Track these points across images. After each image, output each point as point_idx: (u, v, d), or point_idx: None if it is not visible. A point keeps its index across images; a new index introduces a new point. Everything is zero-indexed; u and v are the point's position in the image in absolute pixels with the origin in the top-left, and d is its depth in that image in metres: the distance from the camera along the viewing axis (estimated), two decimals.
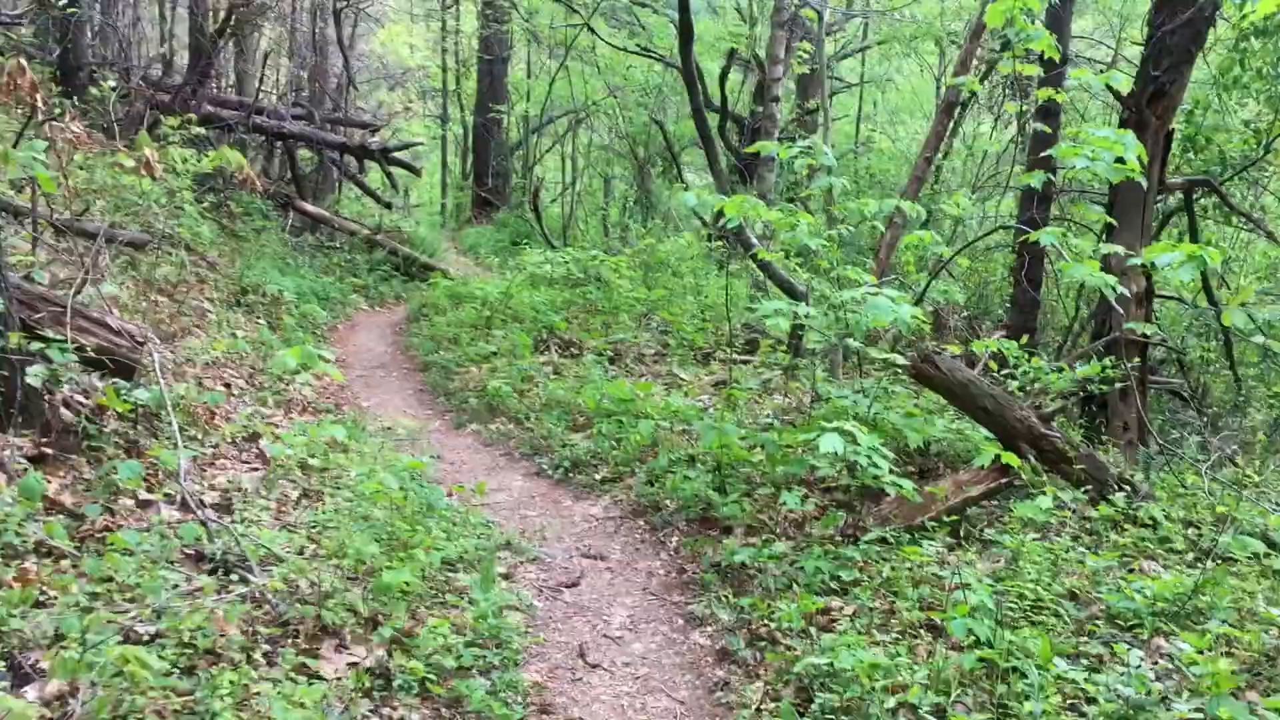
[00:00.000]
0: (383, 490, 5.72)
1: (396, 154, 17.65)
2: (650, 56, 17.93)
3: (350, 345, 12.90)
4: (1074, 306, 11.78)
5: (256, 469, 7.45)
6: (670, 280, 13.78)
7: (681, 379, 10.10)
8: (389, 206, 18.37)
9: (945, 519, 6.06)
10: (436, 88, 31.19)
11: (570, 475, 7.91)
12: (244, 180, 7.99)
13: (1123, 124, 9.39)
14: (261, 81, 17.49)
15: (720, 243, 13.41)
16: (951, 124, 11.64)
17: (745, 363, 11.12)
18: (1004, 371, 7.58)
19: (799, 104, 20.47)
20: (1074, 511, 5.94)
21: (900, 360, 5.78)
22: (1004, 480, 6.10)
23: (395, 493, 5.78)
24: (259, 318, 12.05)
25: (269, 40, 20.39)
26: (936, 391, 6.49)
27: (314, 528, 6.03)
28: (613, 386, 8.88)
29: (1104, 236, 9.45)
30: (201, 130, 10.31)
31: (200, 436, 7.77)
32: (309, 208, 17.16)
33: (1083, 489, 6.18)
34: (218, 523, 5.48)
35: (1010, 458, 5.68)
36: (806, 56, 17.59)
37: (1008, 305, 11.87)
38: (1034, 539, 5.57)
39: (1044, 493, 5.67)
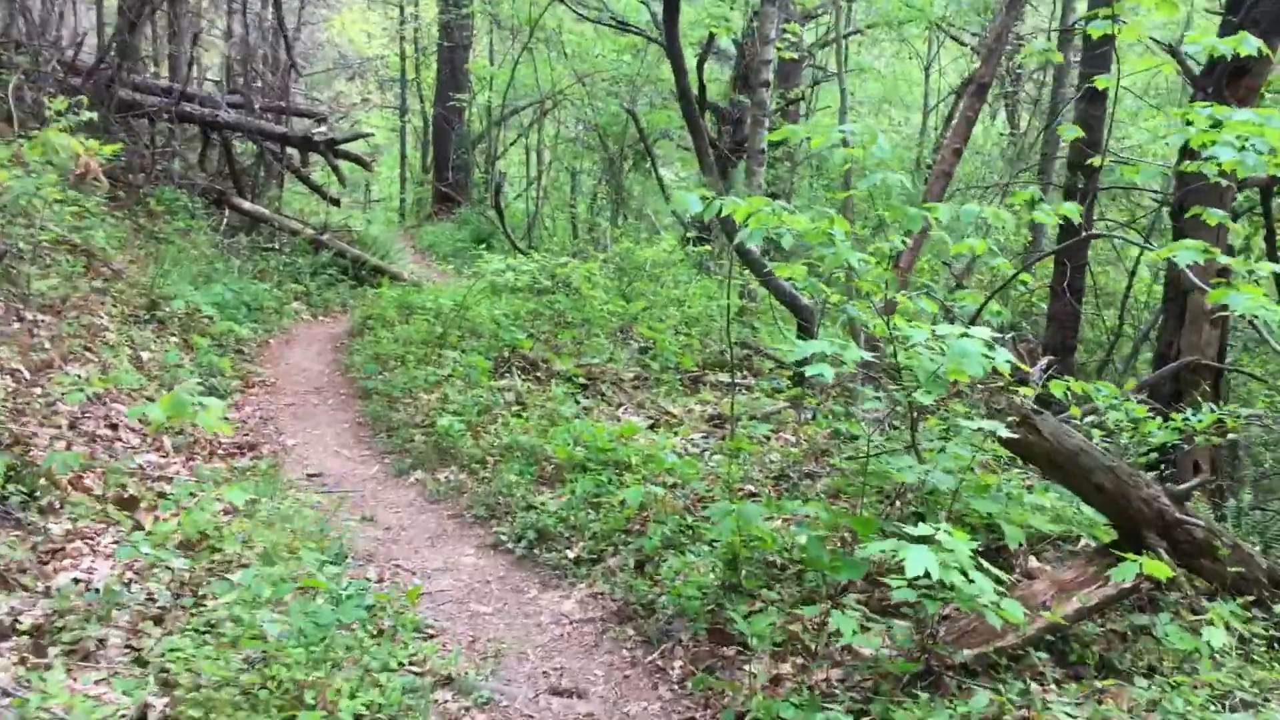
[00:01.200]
0: (257, 634, 3.88)
1: (344, 146, 15.72)
2: (629, 30, 16.08)
3: (282, 365, 11.00)
4: (1115, 322, 10.11)
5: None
6: (649, 287, 11.98)
7: (670, 413, 8.30)
8: (336, 203, 16.45)
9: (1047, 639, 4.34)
10: (395, 77, 29.23)
11: (535, 551, 6.08)
12: (84, 173, 6.13)
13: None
14: (193, 66, 15.48)
15: (708, 246, 11.67)
16: (981, 109, 9.92)
17: (739, 388, 9.35)
18: (1085, 419, 5.84)
19: (781, 93, 18.71)
20: (1235, 633, 4.20)
21: (1002, 431, 4.03)
22: (1127, 585, 4.36)
23: (279, 630, 3.94)
24: (172, 335, 10.15)
25: (206, 22, 18.37)
26: (1033, 462, 4.75)
27: (173, 661, 4.19)
28: (588, 431, 7.08)
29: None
30: (92, 115, 8.43)
31: (59, 506, 5.91)
32: (245, 205, 15.19)
33: (1233, 595, 4.46)
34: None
35: (1159, 568, 3.92)
36: (794, 40, 15.84)
37: (1036, 320, 10.15)
38: (1191, 683, 3.85)
39: (1208, 619, 3.94)
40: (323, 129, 15.95)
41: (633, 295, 11.18)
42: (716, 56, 21.02)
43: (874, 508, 5.81)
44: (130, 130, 13.88)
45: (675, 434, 7.85)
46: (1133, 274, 10.14)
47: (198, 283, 11.73)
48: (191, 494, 6.09)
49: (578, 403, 8.58)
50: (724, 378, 9.24)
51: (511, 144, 24.20)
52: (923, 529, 3.63)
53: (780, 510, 5.48)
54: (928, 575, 3.56)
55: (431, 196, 24.84)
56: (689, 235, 15.67)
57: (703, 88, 17.19)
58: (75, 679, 4.06)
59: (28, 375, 7.45)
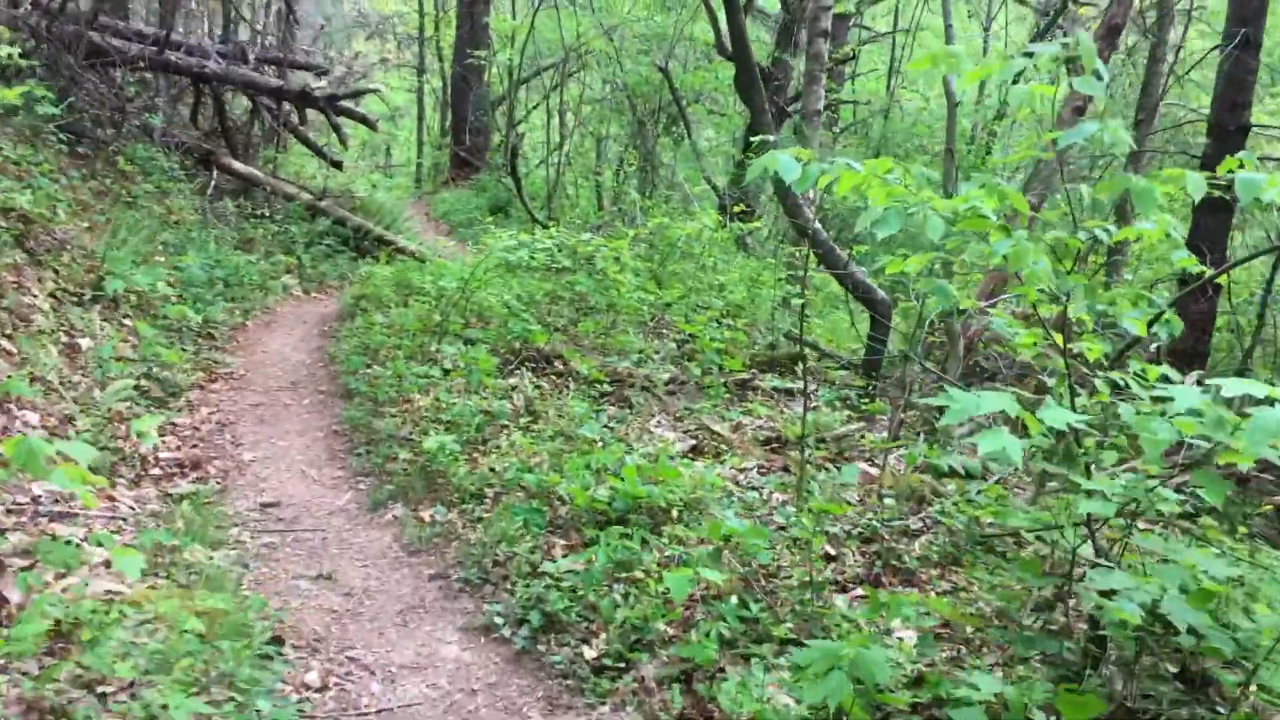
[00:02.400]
0: None
1: (346, 103, 13.95)
2: None
3: (258, 352, 9.29)
4: (1252, 322, 8.28)
5: None
6: (683, 269, 10.20)
7: (715, 433, 6.55)
8: (338, 166, 14.70)
9: None
10: (415, 35, 27.41)
11: (540, 644, 4.36)
12: None
13: None
14: (175, 11, 13.71)
15: (757, 221, 9.84)
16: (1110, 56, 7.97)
17: (793, 396, 7.60)
18: None
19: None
20: None
21: None
22: None
23: None
24: (126, 317, 8.47)
25: None
26: None
27: None
28: (613, 465, 5.36)
29: None
30: (10, 52, 6.75)
31: None
32: (236, 165, 13.47)
33: None
34: None
35: None
36: None
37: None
38: None
39: None
40: (322, 83, 14.19)
41: (666, 278, 9.42)
42: (753, 17, 19.13)
43: (1014, 596, 4.10)
44: (106, 80, 12.17)
45: (723, 462, 6.12)
46: (1276, 266, 8.27)
47: (167, 253, 10.06)
48: (64, 560, 4.39)
49: (598, 413, 6.86)
50: (780, 383, 7.47)
51: (534, 107, 22.39)
52: None
53: (892, 611, 3.75)
54: None
55: (449, 161, 23.09)
56: (727, 208, 13.87)
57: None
58: None
59: None
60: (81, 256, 8.76)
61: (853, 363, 8.06)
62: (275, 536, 5.57)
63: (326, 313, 10.92)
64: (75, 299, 8.09)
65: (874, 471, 5.97)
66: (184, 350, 8.49)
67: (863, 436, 6.45)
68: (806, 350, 8.70)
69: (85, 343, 7.60)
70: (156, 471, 6.24)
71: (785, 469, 6.04)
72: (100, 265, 8.65)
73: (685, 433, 6.87)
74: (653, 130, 17.29)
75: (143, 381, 7.49)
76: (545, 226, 13.09)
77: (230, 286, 10.39)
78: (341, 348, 8.91)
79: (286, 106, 14.28)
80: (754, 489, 5.77)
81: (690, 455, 6.32)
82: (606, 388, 7.32)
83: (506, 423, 6.74)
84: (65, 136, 10.21)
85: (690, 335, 7.92)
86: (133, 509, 5.66)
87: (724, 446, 6.34)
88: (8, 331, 6.93)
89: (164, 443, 6.71)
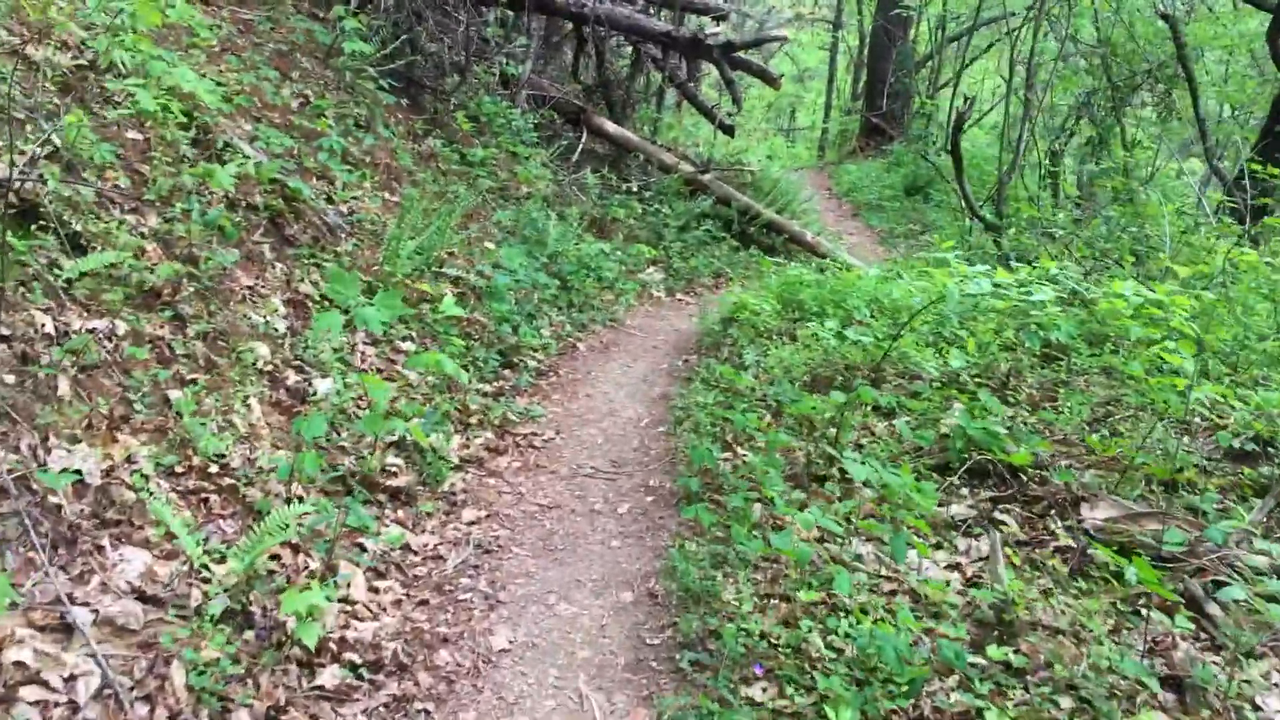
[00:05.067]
0: None
1: (743, 54, 10.79)
2: None
3: (580, 397, 6.37)
4: None
5: None
6: (1225, 314, 6.12)
7: None
8: (729, 131, 11.61)
9: None
10: None
11: None
12: None
13: None
14: None
15: None
16: None
17: None
18: None
19: None
20: None
21: None
22: None
23: None
24: (407, 339, 5.82)
25: None
26: None
27: None
28: None
29: None
30: None
31: None
32: (609, 127, 10.76)
33: None
34: None
35: None
36: None
37: None
38: None
39: None
40: (718, 30, 11.10)
41: (1211, 343, 5.46)
42: None
43: None
44: (467, 17, 9.77)
45: None
46: None
47: (495, 237, 7.43)
48: None
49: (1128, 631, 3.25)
50: None
51: (966, 65, 18.15)
52: None
53: None
54: None
55: (859, 128, 19.51)
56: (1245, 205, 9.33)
57: None
58: None
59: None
60: (370, 247, 6.24)
61: None
62: None
63: (688, 331, 7.88)
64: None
65: None
66: (473, 392, 5.74)
67: None
68: None
69: (323, 387, 4.98)
70: (326, 680, 3.39)
71: None
72: (390, 256, 6.07)
73: None
74: (1129, 98, 12.78)
75: (391, 458, 4.78)
76: (993, 227, 9.31)
77: (569, 289, 7.60)
78: (690, 407, 5.79)
79: (675, 56, 11.36)
80: None
81: None
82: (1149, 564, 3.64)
83: (967, 655, 3.31)
84: (389, 83, 7.81)
85: None
86: None
87: None
88: (190, 373, 4.37)
89: (371, 599, 3.88)
